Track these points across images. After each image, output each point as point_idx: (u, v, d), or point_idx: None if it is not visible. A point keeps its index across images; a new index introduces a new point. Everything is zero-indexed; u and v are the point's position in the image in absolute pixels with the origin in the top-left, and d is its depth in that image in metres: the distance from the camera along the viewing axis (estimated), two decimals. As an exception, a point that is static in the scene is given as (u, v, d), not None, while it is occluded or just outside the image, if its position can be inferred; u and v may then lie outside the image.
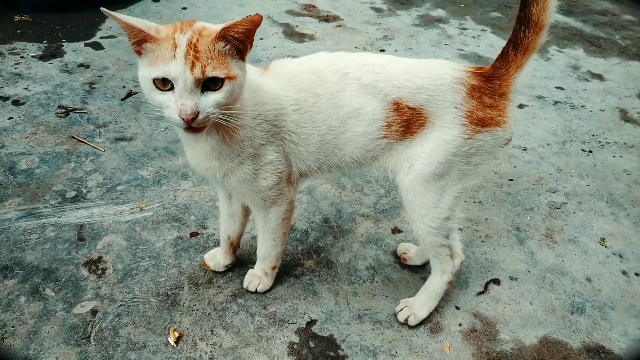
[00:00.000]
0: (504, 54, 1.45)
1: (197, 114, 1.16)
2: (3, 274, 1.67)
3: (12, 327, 1.53)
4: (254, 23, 1.17)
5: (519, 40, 1.42)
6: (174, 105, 1.16)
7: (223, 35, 1.17)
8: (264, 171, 1.44)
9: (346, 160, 1.51)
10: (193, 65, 1.14)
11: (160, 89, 1.18)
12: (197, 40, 1.15)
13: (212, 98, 1.19)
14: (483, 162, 1.51)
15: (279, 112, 1.40)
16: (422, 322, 1.68)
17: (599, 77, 3.51)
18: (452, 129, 1.42)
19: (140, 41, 1.18)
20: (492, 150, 1.48)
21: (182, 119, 1.16)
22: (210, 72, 1.15)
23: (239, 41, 1.20)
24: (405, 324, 1.67)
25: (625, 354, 1.64)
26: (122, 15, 1.14)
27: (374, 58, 1.48)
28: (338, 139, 1.46)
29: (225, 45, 1.19)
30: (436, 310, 1.74)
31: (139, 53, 1.20)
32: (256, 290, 1.71)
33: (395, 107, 1.42)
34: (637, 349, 1.65)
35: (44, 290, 1.65)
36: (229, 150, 1.38)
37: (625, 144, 2.80)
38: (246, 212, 1.71)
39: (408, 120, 1.43)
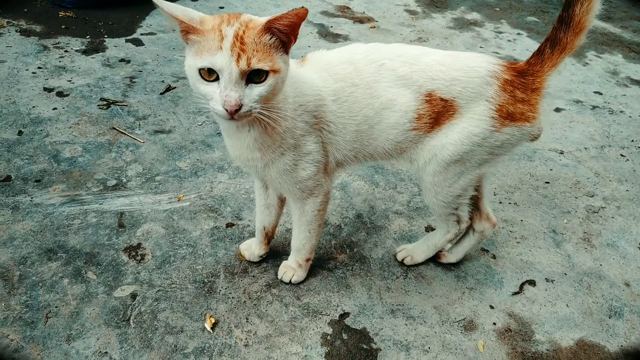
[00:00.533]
0: (540, 51, 1.48)
1: (240, 105, 1.18)
2: (47, 257, 1.73)
3: (56, 307, 1.58)
4: (300, 16, 1.17)
5: (558, 39, 1.45)
6: (219, 96, 1.18)
7: (269, 28, 1.18)
8: (303, 161, 1.46)
9: (379, 151, 1.54)
10: (239, 57, 1.15)
11: (205, 79, 1.20)
12: (244, 32, 1.17)
13: (256, 91, 1.20)
14: (505, 153, 1.55)
15: (319, 102, 1.43)
16: (416, 265, 1.86)
17: (639, 83, 3.43)
18: (481, 121, 1.45)
19: (186, 32, 1.20)
20: (518, 143, 1.53)
21: (226, 110, 1.18)
22: (256, 64, 1.17)
23: (284, 34, 1.21)
24: (402, 262, 1.85)
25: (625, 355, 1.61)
26: (167, 4, 1.17)
27: (409, 49, 1.50)
28: (373, 129, 1.49)
29: (271, 38, 1.20)
30: (470, 308, 1.73)
31: (186, 40, 1.22)
32: (290, 281, 1.73)
33: (427, 98, 1.44)
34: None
35: (86, 273, 1.70)
36: (271, 142, 1.40)
37: (666, 150, 2.73)
38: (282, 203, 1.73)
39: (438, 112, 1.46)
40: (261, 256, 1.80)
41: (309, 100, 1.42)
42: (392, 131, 1.48)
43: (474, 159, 1.51)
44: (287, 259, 1.76)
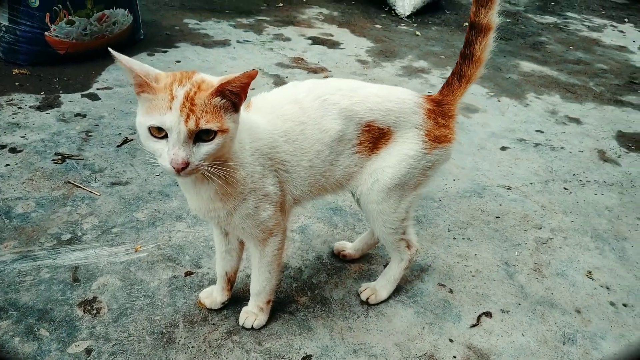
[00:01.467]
0: (449, 84, 1.69)
1: (187, 164, 1.21)
2: (-3, 315, 1.67)
3: (5, 368, 1.52)
4: (251, 77, 1.22)
5: (463, 72, 1.67)
6: (166, 154, 1.21)
7: (220, 91, 1.22)
8: (264, 203, 1.50)
9: (331, 181, 1.63)
10: (188, 117, 1.19)
11: (155, 136, 1.23)
12: (195, 93, 1.20)
13: (203, 150, 1.24)
14: (434, 174, 1.73)
15: (272, 144, 1.49)
16: (380, 303, 1.90)
17: (576, 120, 3.67)
18: (414, 144, 1.60)
19: (140, 86, 1.23)
20: (442, 163, 1.72)
21: (173, 167, 1.21)
22: (204, 125, 1.20)
23: (235, 94, 1.25)
24: (366, 302, 1.88)
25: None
26: (125, 58, 1.20)
27: (345, 83, 1.62)
28: (324, 162, 1.57)
29: (221, 100, 1.24)
30: (430, 343, 1.75)
31: (139, 95, 1.25)
32: (252, 326, 1.72)
33: (367, 128, 1.57)
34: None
35: (38, 330, 1.64)
36: (232, 190, 1.43)
37: (605, 182, 2.90)
38: (242, 246, 1.76)
39: (376, 139, 1.59)
40: (223, 303, 1.80)
41: (263, 144, 1.47)
42: (341, 158, 1.59)
43: (411, 181, 1.65)
44: (247, 305, 1.76)
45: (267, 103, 1.54)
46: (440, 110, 1.65)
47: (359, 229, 2.29)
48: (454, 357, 1.72)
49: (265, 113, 1.50)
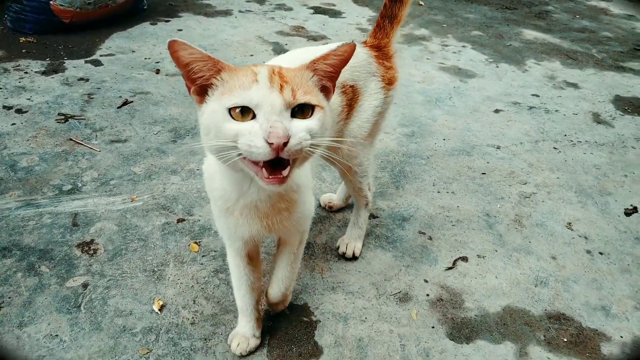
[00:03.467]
0: (380, 27, 1.74)
1: (289, 137, 0.96)
2: (1, 254, 1.81)
3: (9, 297, 1.65)
4: (347, 55, 1.08)
5: (394, 14, 1.73)
6: (259, 129, 0.96)
7: (312, 68, 1.08)
8: (311, 195, 1.44)
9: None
10: (281, 88, 0.99)
11: (237, 120, 1.00)
12: (280, 69, 1.05)
13: (305, 124, 1.01)
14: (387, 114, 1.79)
15: None
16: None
17: (574, 85, 3.68)
18: (377, 94, 1.68)
19: (216, 72, 1.04)
20: (392, 101, 1.78)
21: (271, 144, 0.95)
22: (302, 97, 1.01)
23: (326, 78, 1.10)
24: (352, 257, 1.93)
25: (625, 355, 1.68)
26: (195, 47, 1.02)
27: (306, 51, 1.54)
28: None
29: (313, 76, 1.09)
30: (405, 283, 1.85)
31: (202, 94, 1.07)
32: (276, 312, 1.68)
33: (342, 90, 1.59)
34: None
35: (39, 267, 1.77)
36: (297, 195, 1.31)
37: (596, 142, 2.94)
38: (259, 273, 1.59)
39: (350, 100, 1.63)
40: (258, 337, 1.58)
41: None
42: (334, 129, 1.59)
43: (377, 128, 1.75)
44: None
45: None
46: (382, 54, 1.71)
47: (346, 182, 2.38)
48: (427, 295, 1.81)
49: None
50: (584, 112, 3.29)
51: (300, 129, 0.99)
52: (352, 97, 1.63)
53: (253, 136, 0.96)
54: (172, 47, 1.00)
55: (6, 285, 1.69)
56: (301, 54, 1.54)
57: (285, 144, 0.95)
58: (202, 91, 1.06)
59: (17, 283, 1.70)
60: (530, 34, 4.70)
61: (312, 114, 1.03)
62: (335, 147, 1.64)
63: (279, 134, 0.94)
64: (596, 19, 5.28)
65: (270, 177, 1.00)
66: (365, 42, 1.73)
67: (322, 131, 1.05)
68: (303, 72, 1.06)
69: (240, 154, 0.99)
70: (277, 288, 1.56)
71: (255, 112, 0.98)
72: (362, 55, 1.65)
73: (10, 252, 1.82)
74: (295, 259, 1.54)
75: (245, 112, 0.99)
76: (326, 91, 1.13)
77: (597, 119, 3.22)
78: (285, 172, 1.00)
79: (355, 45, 1.07)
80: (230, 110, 0.99)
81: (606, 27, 5.05)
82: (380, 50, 1.71)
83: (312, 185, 1.48)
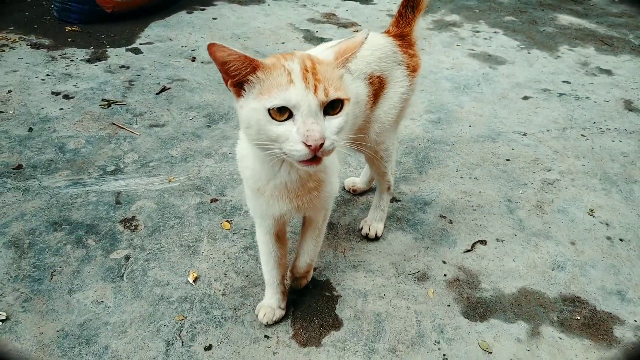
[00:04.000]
0: (402, 16, 1.79)
1: (324, 139, 1.07)
2: (53, 228, 1.99)
3: (60, 267, 1.83)
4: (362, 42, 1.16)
5: (415, 3, 1.77)
6: (296, 133, 1.07)
7: (340, 59, 1.16)
8: (336, 176, 1.53)
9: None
10: (316, 88, 1.07)
11: (277, 120, 1.09)
12: (311, 64, 1.11)
13: (335, 123, 1.12)
14: (411, 100, 1.86)
15: None
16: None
17: (608, 72, 3.64)
18: (403, 81, 1.76)
19: (251, 70, 1.11)
20: (416, 88, 1.85)
21: (310, 146, 1.06)
22: (333, 94, 1.09)
23: (345, 65, 1.18)
24: (375, 238, 2.02)
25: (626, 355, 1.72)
26: (232, 48, 1.08)
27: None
28: (354, 127, 1.66)
29: (340, 69, 1.16)
30: (424, 263, 1.94)
31: (240, 88, 1.14)
32: (300, 287, 1.79)
33: (370, 81, 1.68)
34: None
35: (86, 240, 1.95)
36: (324, 175, 1.40)
37: (625, 130, 2.92)
38: (285, 247, 1.70)
39: (376, 89, 1.71)
40: (284, 309, 1.69)
41: None
42: (360, 117, 1.69)
43: (402, 114, 1.83)
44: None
45: None
46: (405, 43, 1.77)
47: (371, 167, 2.47)
48: (445, 275, 1.90)
49: None
50: (616, 100, 3.26)
51: (332, 129, 1.10)
52: (378, 87, 1.71)
53: (292, 141, 1.07)
54: (211, 48, 1.07)
55: (57, 256, 1.87)
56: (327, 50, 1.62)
57: (322, 144, 1.07)
58: (239, 85, 1.14)
59: (66, 254, 1.88)
60: (565, 19, 4.62)
61: (341, 108, 1.12)
62: (363, 132, 1.76)
63: (315, 136, 1.05)
64: (636, 3, 5.12)
65: (310, 163, 1.12)
66: (388, 32, 1.80)
67: (348, 124, 1.17)
68: (331, 66, 1.13)
69: (283, 152, 1.11)
70: (303, 259, 1.70)
71: (293, 112, 1.07)
72: (388, 46, 1.72)
73: (60, 227, 2.00)
74: (319, 233, 1.66)
75: (283, 110, 1.08)
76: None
77: (629, 106, 3.19)
78: (322, 153, 1.11)
79: (366, 35, 1.16)
80: (269, 110, 1.08)
81: (647, 11, 4.91)
82: (404, 39, 1.78)
83: (338, 168, 1.58)
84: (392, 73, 1.74)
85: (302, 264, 1.71)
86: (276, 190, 1.37)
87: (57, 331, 1.61)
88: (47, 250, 1.89)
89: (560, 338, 1.69)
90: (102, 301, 1.71)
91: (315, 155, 1.08)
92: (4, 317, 1.63)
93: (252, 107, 1.10)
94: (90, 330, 1.61)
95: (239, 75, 1.12)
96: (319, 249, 1.74)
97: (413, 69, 1.79)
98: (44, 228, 1.98)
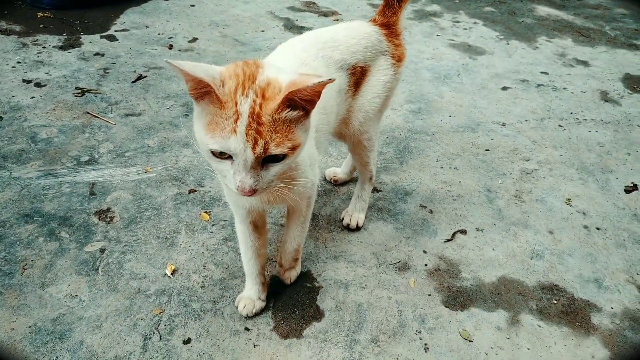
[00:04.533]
0: (388, 5, 1.77)
1: (255, 190, 1.11)
2: (24, 220, 1.92)
3: (32, 260, 1.77)
4: (322, 87, 1.08)
5: None
6: (232, 177, 1.11)
7: (289, 99, 1.07)
8: (314, 169, 1.52)
9: (331, 132, 1.73)
10: (255, 142, 1.05)
11: (218, 157, 1.11)
12: (260, 106, 1.06)
13: (273, 171, 1.13)
14: (395, 90, 1.86)
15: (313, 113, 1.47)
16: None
17: (584, 63, 3.68)
18: (387, 70, 1.74)
19: (203, 95, 1.08)
20: (400, 78, 1.85)
21: (239, 192, 1.12)
22: (274, 150, 1.08)
23: (306, 101, 1.10)
24: (356, 228, 2.01)
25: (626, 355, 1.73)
26: (188, 65, 1.04)
27: (321, 34, 1.63)
28: (336, 116, 1.66)
29: (291, 111, 1.09)
30: (405, 253, 1.94)
31: (198, 100, 1.11)
32: (294, 280, 1.77)
33: (352, 71, 1.66)
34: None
35: (59, 233, 1.89)
36: (296, 173, 1.37)
37: (602, 120, 2.96)
38: (264, 238, 1.67)
39: (358, 79, 1.69)
40: (264, 300, 1.68)
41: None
42: (342, 107, 1.69)
43: (386, 103, 1.82)
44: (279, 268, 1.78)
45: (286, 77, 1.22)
46: (391, 32, 1.76)
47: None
48: (425, 264, 1.90)
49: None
50: (592, 90, 3.30)
51: (268, 177, 1.13)
52: (359, 77, 1.69)
53: (229, 181, 1.12)
54: (173, 69, 1.04)
55: (29, 249, 1.81)
56: (312, 38, 1.60)
57: (252, 193, 1.11)
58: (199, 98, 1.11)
59: (39, 247, 1.82)
60: (543, 10, 4.66)
61: (284, 157, 1.12)
62: (347, 122, 1.75)
63: (245, 189, 1.10)
64: (613, -5, 5.19)
65: (242, 193, 1.12)
66: (374, 20, 1.78)
67: (292, 166, 1.21)
68: (281, 111, 1.07)
69: None
70: (290, 245, 1.69)
71: (232, 156, 1.08)
72: (373, 35, 1.71)
73: (32, 219, 1.94)
74: (304, 220, 1.64)
75: (223, 153, 1.08)
76: (308, 109, 1.13)
77: (605, 97, 3.23)
78: (255, 194, 1.14)
79: (324, 84, 1.06)
80: (211, 150, 1.09)
81: (621, 3, 4.98)
82: (389, 29, 1.76)
83: (318, 159, 1.55)
84: (375, 62, 1.72)
85: (289, 249, 1.70)
86: None
87: (29, 326, 1.56)
88: (18, 243, 1.83)
89: (539, 326, 1.71)
90: (76, 295, 1.67)
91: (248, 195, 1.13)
92: (-27, 313, 1.58)
93: (200, 137, 1.11)
94: (64, 325, 1.57)
95: (195, 93, 1.09)
96: (305, 236, 1.71)
97: (398, 59, 1.77)
98: (14, 220, 1.92)
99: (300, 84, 1.05)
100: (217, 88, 1.05)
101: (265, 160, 1.11)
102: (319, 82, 1.04)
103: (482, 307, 1.76)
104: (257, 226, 1.60)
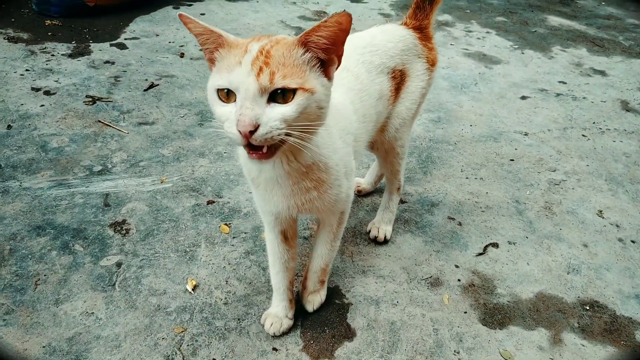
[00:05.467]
0: (420, 8, 1.71)
1: (257, 126, 0.98)
2: (36, 232, 1.83)
3: (45, 275, 1.67)
4: (342, 26, 1.00)
5: None
6: (233, 116, 0.99)
7: (303, 42, 1.03)
8: (350, 180, 1.42)
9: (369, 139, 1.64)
10: (260, 70, 0.98)
11: (223, 101, 1.04)
12: (272, 46, 1.01)
13: (280, 111, 1.00)
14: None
15: (349, 119, 1.39)
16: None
17: (602, 72, 3.62)
18: (423, 75, 1.68)
19: (216, 47, 1.06)
20: (433, 82, 1.79)
21: (240, 131, 0.98)
22: (280, 81, 0.99)
23: (323, 50, 1.03)
24: (384, 241, 1.92)
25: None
26: (199, 21, 1.04)
27: (364, 38, 1.59)
28: (376, 123, 1.58)
29: (305, 54, 1.03)
30: (436, 268, 1.84)
31: (212, 62, 1.09)
32: (318, 307, 1.64)
33: (392, 75, 1.59)
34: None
35: (73, 246, 1.79)
36: (327, 176, 1.28)
37: (625, 130, 2.89)
38: (294, 250, 1.58)
39: (398, 83, 1.62)
40: (292, 318, 1.58)
41: (347, 122, 1.35)
42: (383, 114, 1.62)
43: (419, 108, 1.75)
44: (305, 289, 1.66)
45: None
46: (424, 35, 1.70)
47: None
48: (459, 280, 1.80)
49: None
50: (612, 100, 3.23)
51: (272, 117, 0.99)
52: (400, 82, 1.62)
53: (229, 123, 1.00)
54: (181, 19, 1.05)
55: (41, 263, 1.71)
56: (350, 44, 1.50)
57: (253, 131, 0.97)
58: (212, 61, 1.10)
59: (52, 261, 1.73)
60: (555, 20, 4.62)
61: (293, 97, 1.01)
62: (382, 128, 1.68)
63: (245, 122, 0.96)
64: (622, 5, 5.17)
65: (252, 153, 1.03)
66: (405, 24, 1.70)
67: (304, 116, 1.03)
68: (292, 50, 1.02)
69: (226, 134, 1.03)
70: (316, 262, 1.58)
71: (236, 95, 1.00)
72: (409, 38, 1.65)
73: (44, 231, 1.84)
74: (334, 237, 1.53)
75: (230, 93, 1.02)
76: (327, 64, 1.06)
77: (626, 106, 3.16)
78: (264, 150, 1.03)
79: (350, 15, 0.99)
80: (218, 90, 1.03)
81: (633, 14, 4.95)
82: (422, 32, 1.70)
83: (353, 170, 1.44)
84: (413, 66, 1.65)
85: (315, 267, 1.59)
86: (269, 184, 1.28)
87: (43, 346, 1.45)
88: (30, 257, 1.73)
89: (583, 345, 1.61)
90: (92, 312, 1.57)
91: (250, 143, 1.00)
92: (-17, 332, 1.47)
93: (209, 83, 1.06)
94: (80, 345, 1.47)
95: (207, 50, 1.08)
96: (334, 256, 1.61)
97: (432, 63, 1.71)
98: (26, 233, 1.82)
99: (315, 25, 1.01)
100: (227, 36, 1.05)
101: (272, 101, 1.01)
102: (331, 17, 0.98)
103: (522, 325, 1.66)
104: (287, 237, 1.50)
